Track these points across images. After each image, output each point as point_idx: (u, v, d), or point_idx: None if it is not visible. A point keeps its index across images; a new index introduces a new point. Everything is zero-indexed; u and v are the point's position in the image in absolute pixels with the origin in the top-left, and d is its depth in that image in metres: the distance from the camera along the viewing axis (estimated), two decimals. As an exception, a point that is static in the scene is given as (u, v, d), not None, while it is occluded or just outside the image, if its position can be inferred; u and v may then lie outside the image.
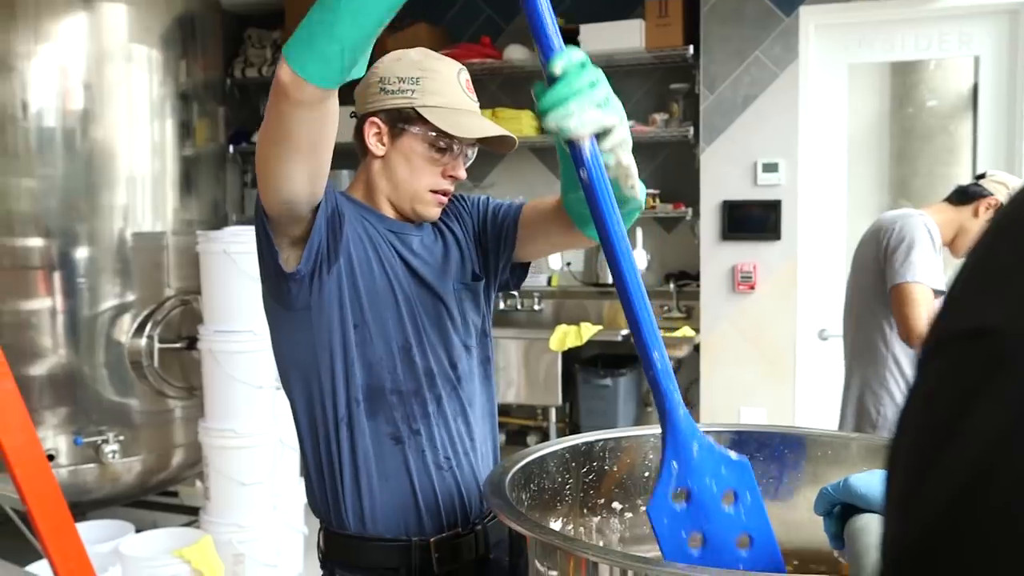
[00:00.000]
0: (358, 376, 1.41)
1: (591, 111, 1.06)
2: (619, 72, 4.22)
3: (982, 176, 2.59)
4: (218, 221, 3.99)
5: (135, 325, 3.63)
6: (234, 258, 3.15)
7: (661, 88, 4.34)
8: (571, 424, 4.36)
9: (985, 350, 0.31)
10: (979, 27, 3.69)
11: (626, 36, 4.07)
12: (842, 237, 3.88)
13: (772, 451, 1.36)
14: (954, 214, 2.54)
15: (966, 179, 2.80)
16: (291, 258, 1.36)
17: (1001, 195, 2.49)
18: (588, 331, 4.08)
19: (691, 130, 4.12)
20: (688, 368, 4.15)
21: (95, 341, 3.57)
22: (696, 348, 4.07)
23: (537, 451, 1.30)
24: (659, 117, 4.24)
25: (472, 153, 1.50)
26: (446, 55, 1.50)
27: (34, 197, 3.47)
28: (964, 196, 2.55)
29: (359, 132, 1.47)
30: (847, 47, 3.85)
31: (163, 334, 3.64)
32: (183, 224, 3.79)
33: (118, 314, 3.60)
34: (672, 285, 4.34)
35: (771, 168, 3.84)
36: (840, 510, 0.94)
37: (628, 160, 1.17)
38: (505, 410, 4.42)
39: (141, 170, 3.66)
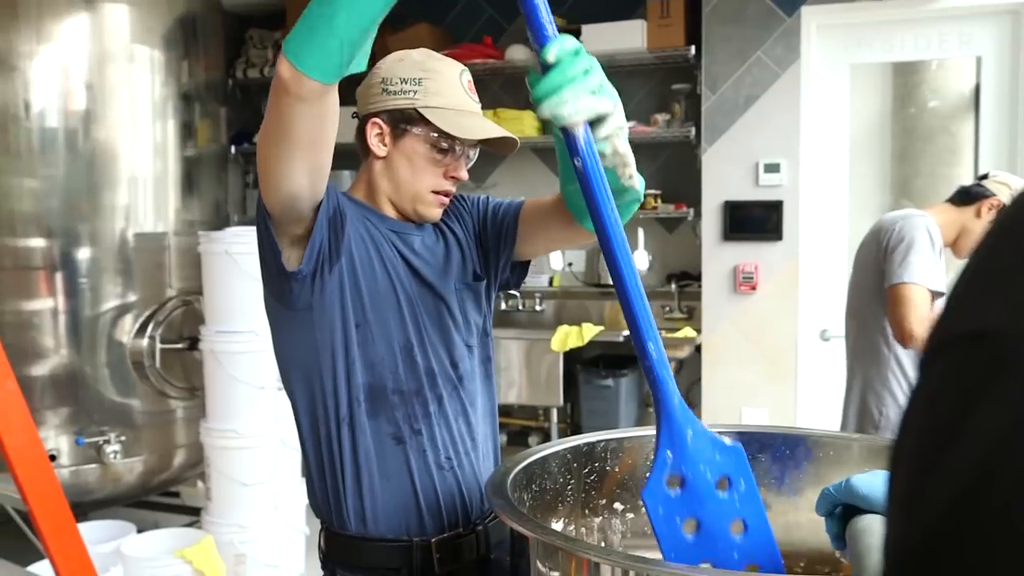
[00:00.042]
0: (359, 376, 1.41)
1: (585, 98, 1.07)
2: (621, 72, 4.22)
3: (985, 177, 2.58)
4: (220, 222, 4.00)
5: (137, 325, 3.63)
6: (236, 258, 3.16)
7: (663, 88, 4.34)
8: (572, 425, 4.36)
9: (987, 352, 0.31)
10: (981, 27, 3.69)
11: (628, 36, 4.08)
12: (844, 237, 3.88)
13: (774, 452, 1.36)
14: (956, 215, 2.53)
15: (968, 180, 2.80)
16: (293, 257, 1.36)
17: (1004, 196, 2.49)
18: (589, 332, 4.08)
19: (693, 130, 4.12)
20: (690, 369, 4.15)
21: (97, 341, 3.57)
22: (698, 349, 4.06)
23: (539, 451, 1.30)
24: (661, 117, 4.24)
25: (474, 154, 1.50)
26: (448, 55, 1.50)
27: (36, 197, 3.48)
28: (967, 197, 2.55)
29: (361, 133, 1.47)
30: (849, 47, 3.85)
31: (165, 334, 3.64)
32: (185, 224, 3.79)
33: (120, 314, 3.61)
34: (674, 286, 4.34)
35: (773, 168, 3.84)
36: (842, 511, 0.94)
37: (624, 148, 1.17)
38: (506, 411, 4.42)
39: (143, 170, 3.66)
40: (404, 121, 1.43)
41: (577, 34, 4.09)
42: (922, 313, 2.32)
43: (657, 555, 1.08)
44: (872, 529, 0.86)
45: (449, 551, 1.44)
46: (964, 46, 3.72)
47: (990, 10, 3.64)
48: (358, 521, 1.43)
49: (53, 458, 3.37)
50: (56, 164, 3.48)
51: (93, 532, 3.23)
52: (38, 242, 3.49)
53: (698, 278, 4.13)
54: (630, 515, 1.36)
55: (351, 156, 1.52)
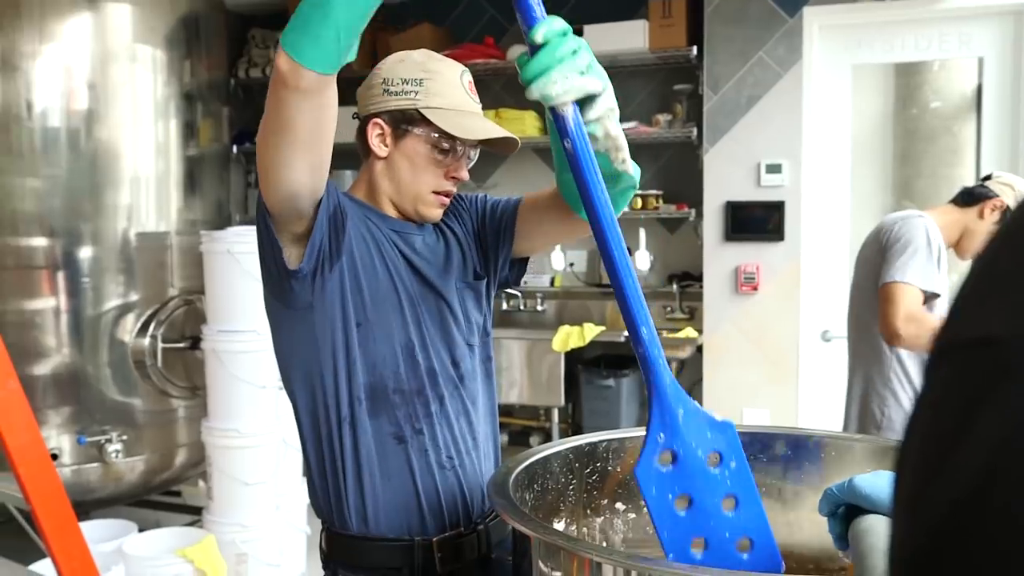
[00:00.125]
0: (360, 375, 1.41)
1: (574, 77, 1.07)
2: (623, 73, 4.22)
3: (988, 178, 2.58)
4: (222, 221, 4.00)
5: (139, 325, 3.64)
6: (238, 258, 3.16)
7: (665, 89, 4.34)
8: (573, 425, 4.36)
9: (991, 358, 0.31)
10: (983, 28, 3.69)
11: (630, 37, 4.08)
12: (845, 238, 3.88)
13: (775, 452, 1.36)
14: (959, 215, 2.53)
15: (970, 180, 2.81)
16: (293, 256, 1.36)
17: (1007, 197, 2.49)
18: (591, 332, 4.08)
19: (695, 131, 4.12)
20: (691, 369, 4.16)
21: (99, 341, 3.57)
22: (699, 349, 4.07)
23: (541, 451, 1.30)
24: (663, 118, 4.24)
25: (474, 154, 1.51)
26: (450, 56, 1.50)
27: (38, 197, 3.48)
28: (970, 198, 2.55)
29: (362, 133, 1.47)
30: (851, 48, 3.85)
31: (167, 334, 3.65)
32: (187, 224, 3.80)
33: (122, 314, 3.61)
34: (675, 286, 4.35)
35: (774, 169, 3.84)
36: (845, 511, 0.94)
37: (616, 131, 1.17)
38: (508, 411, 4.42)
39: (145, 170, 3.67)
40: (405, 122, 1.43)
41: (579, 34, 4.08)
42: (910, 312, 2.32)
43: (659, 555, 1.09)
44: (875, 529, 0.86)
45: (450, 550, 1.44)
46: (966, 47, 3.72)
47: (992, 11, 3.64)
48: (359, 521, 1.43)
49: (55, 457, 3.37)
50: (58, 164, 3.49)
51: (95, 531, 3.23)
52: (40, 241, 3.49)
53: (699, 278, 4.13)
54: (632, 515, 1.36)
55: (352, 156, 1.52)
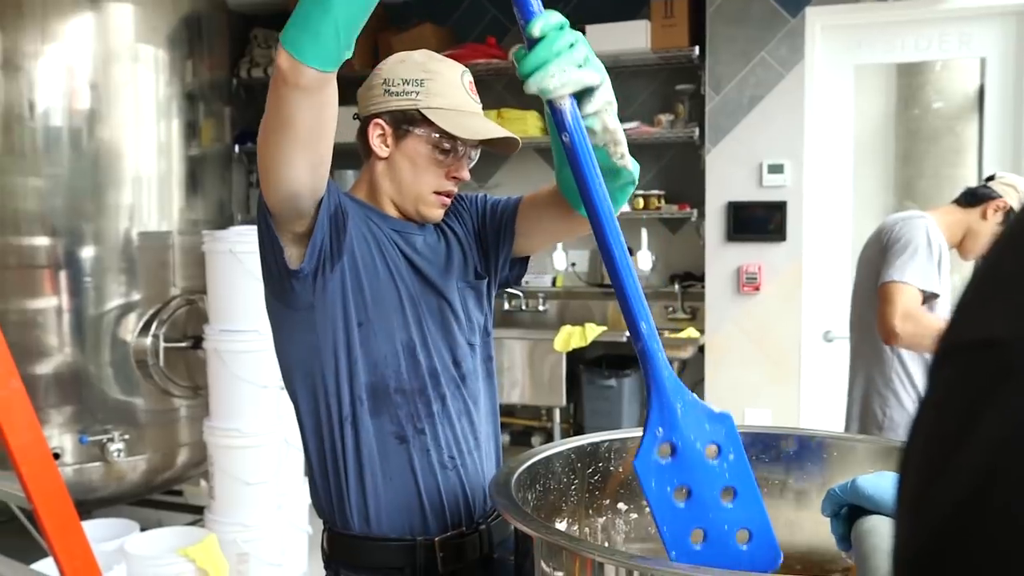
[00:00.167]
0: (362, 375, 1.41)
1: (571, 70, 1.07)
2: (624, 73, 4.22)
3: (991, 178, 2.58)
4: (224, 221, 4.01)
5: (141, 324, 3.64)
6: (240, 258, 3.16)
7: (666, 89, 4.34)
8: (575, 425, 4.36)
9: (993, 360, 0.31)
10: (986, 28, 3.68)
11: (632, 37, 4.07)
12: (847, 238, 3.88)
13: (777, 453, 1.36)
14: (962, 216, 2.53)
15: (972, 181, 2.80)
16: (294, 256, 1.36)
17: (1010, 197, 2.49)
18: (592, 332, 4.08)
19: (696, 131, 4.12)
20: (693, 369, 4.16)
21: (101, 340, 3.58)
22: (701, 349, 4.06)
23: (543, 452, 1.31)
24: (664, 118, 4.23)
25: (475, 154, 1.51)
26: (451, 56, 1.51)
27: (40, 196, 3.48)
28: (973, 198, 2.54)
29: (363, 133, 1.47)
30: (853, 48, 3.85)
31: (168, 333, 3.65)
32: (189, 224, 3.80)
33: (124, 313, 3.61)
34: (677, 286, 4.34)
35: (776, 169, 3.84)
36: (847, 512, 0.94)
37: (614, 125, 1.17)
38: (509, 411, 4.42)
39: (147, 170, 3.67)
40: (406, 122, 1.43)
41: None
42: (907, 311, 2.31)
43: (661, 555, 1.09)
44: (878, 530, 0.86)
45: (452, 550, 1.44)
46: (968, 47, 3.72)
47: (994, 11, 3.64)
48: (361, 521, 1.43)
49: (57, 456, 3.38)
50: (60, 163, 3.49)
51: (97, 530, 3.24)
52: (42, 241, 3.50)
53: (701, 279, 4.13)
54: (634, 515, 1.36)
55: (353, 156, 1.52)
